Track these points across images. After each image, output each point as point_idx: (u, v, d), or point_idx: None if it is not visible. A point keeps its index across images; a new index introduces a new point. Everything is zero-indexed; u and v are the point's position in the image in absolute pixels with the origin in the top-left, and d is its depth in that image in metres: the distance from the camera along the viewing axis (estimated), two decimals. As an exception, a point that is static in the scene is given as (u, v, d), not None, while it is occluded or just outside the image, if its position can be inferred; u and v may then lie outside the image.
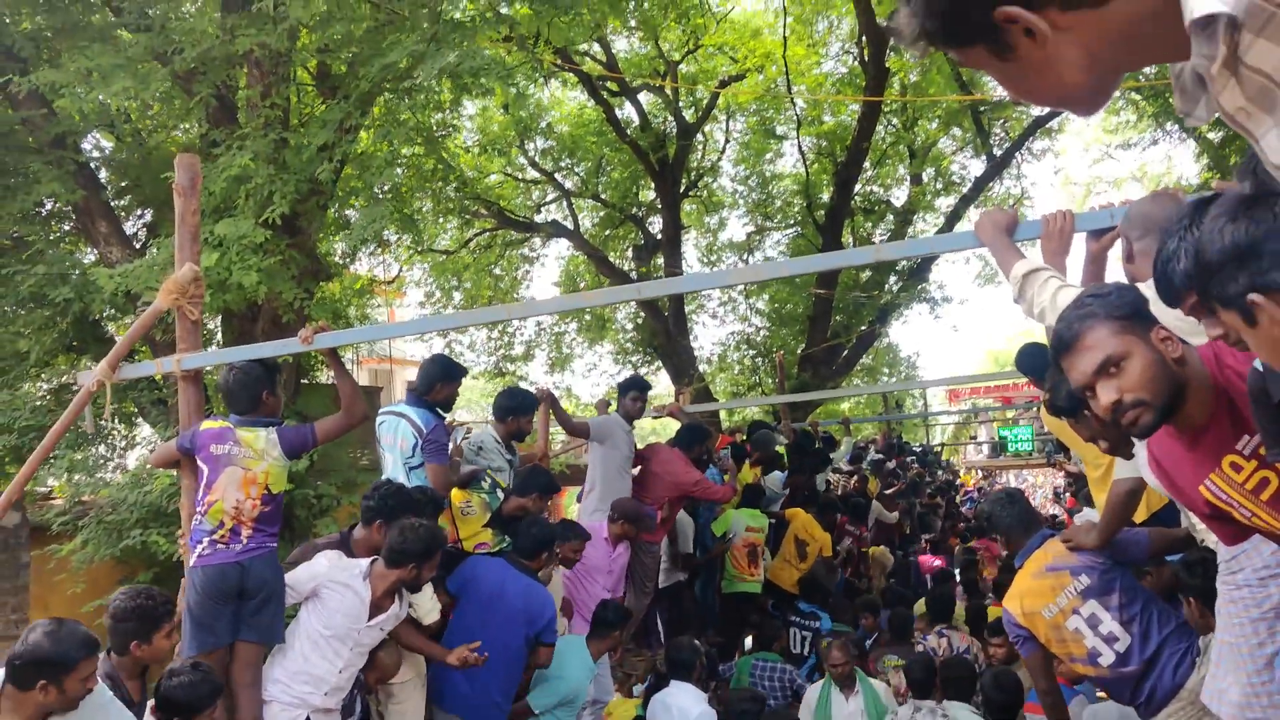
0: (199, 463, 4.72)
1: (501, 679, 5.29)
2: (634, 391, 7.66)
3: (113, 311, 9.65)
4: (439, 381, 5.68)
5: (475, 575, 5.44)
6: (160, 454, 5.27)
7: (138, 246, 9.78)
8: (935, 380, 22.87)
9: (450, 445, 5.97)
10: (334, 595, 4.56)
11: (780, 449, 10.60)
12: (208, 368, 5.57)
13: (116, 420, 10.32)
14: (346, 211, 10.83)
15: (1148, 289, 2.64)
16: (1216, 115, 1.24)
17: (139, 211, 11.10)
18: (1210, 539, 3.06)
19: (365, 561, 4.67)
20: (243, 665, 4.58)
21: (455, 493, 5.89)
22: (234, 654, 4.58)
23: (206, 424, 4.81)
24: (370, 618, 4.58)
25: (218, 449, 4.68)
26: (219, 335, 9.93)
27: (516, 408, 6.33)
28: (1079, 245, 3.39)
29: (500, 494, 6.09)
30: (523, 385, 20.76)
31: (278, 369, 5.08)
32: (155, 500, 7.94)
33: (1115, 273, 3.15)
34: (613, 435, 7.28)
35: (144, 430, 10.10)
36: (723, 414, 17.31)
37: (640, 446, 7.87)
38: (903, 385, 24.03)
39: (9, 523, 6.66)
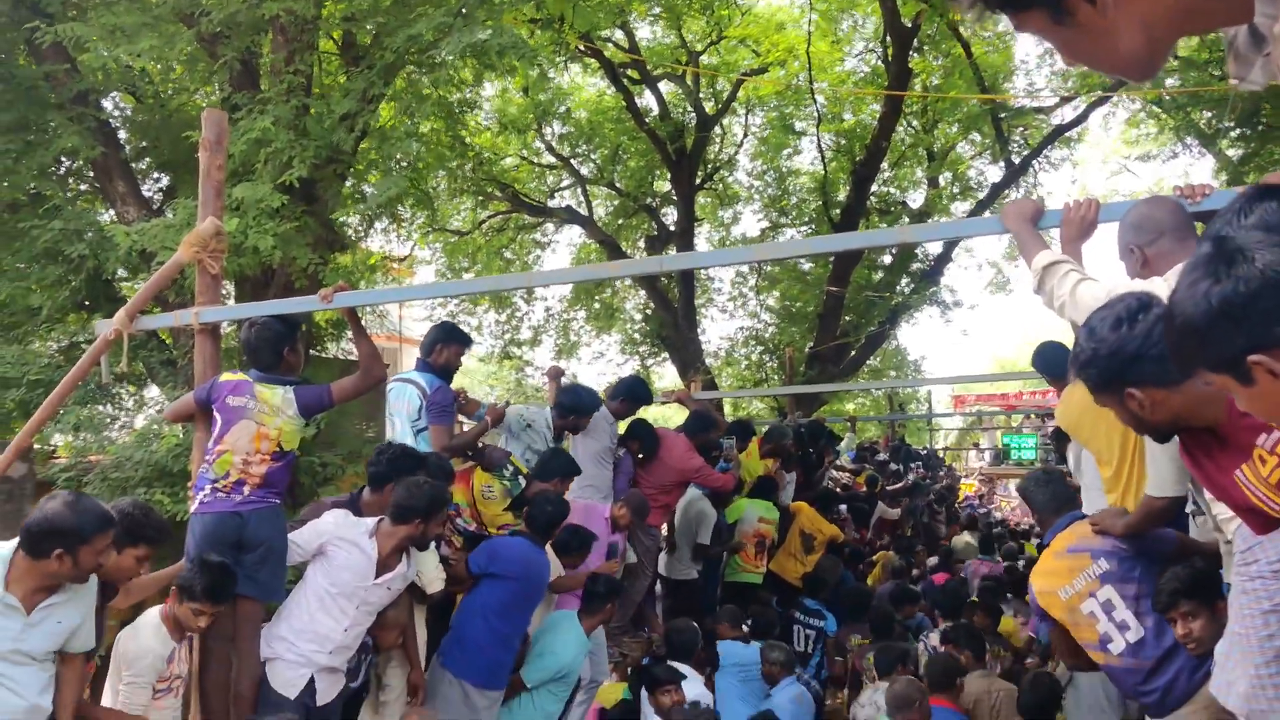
0: (214, 412, 4.71)
1: (512, 649, 5.41)
2: (626, 401, 7.50)
3: (126, 272, 9.65)
4: (439, 343, 5.71)
5: (499, 559, 5.46)
6: (177, 407, 5.25)
7: (155, 209, 9.78)
8: (942, 379, 22.87)
9: (489, 407, 6.04)
10: (341, 553, 4.56)
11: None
12: (225, 323, 5.56)
13: (126, 382, 10.34)
14: (364, 187, 10.84)
15: (1165, 286, 2.64)
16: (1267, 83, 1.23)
17: (156, 175, 11.11)
18: (1230, 529, 3.04)
19: (372, 520, 4.68)
20: (242, 621, 4.57)
21: (478, 475, 5.95)
22: (235, 610, 4.55)
23: (225, 375, 4.80)
24: (377, 576, 4.58)
25: (234, 400, 4.66)
26: (232, 300, 9.90)
27: (579, 409, 6.60)
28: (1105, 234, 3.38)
29: (522, 481, 6.13)
30: (532, 367, 20.85)
31: (298, 326, 5.07)
32: (161, 459, 7.92)
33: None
34: (596, 425, 7.22)
35: (152, 391, 10.09)
36: (728, 407, 17.31)
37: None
38: (910, 383, 24.05)
39: (15, 474, 6.64)
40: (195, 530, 4.57)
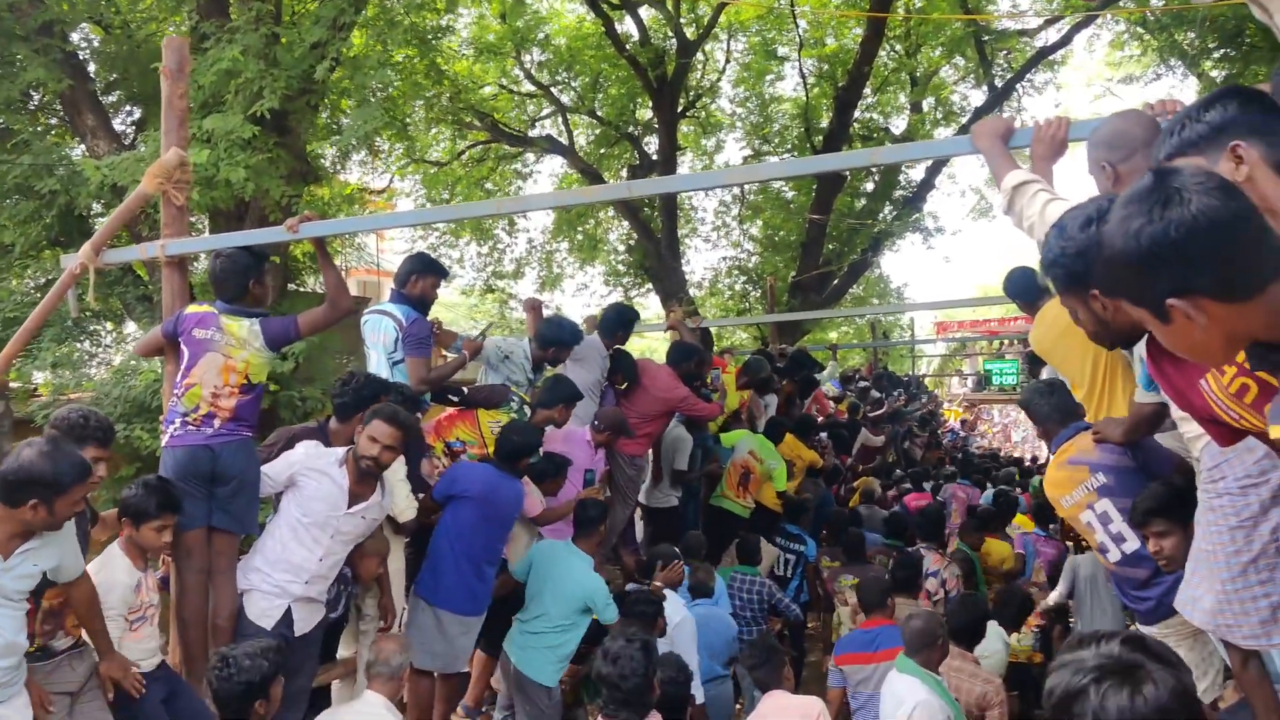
0: (181, 345, 4.68)
1: (486, 573, 5.45)
2: (619, 332, 7.52)
3: (100, 207, 9.54)
4: (414, 274, 5.67)
5: (460, 483, 5.50)
6: (145, 342, 5.21)
7: (126, 143, 9.64)
8: (924, 304, 22.89)
9: (465, 339, 6.01)
10: (311, 483, 4.57)
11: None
12: (193, 255, 5.50)
13: (103, 318, 10.28)
14: (340, 119, 10.68)
15: None
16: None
17: (127, 108, 10.93)
18: (1198, 447, 3.07)
19: (342, 450, 4.69)
20: (217, 554, 4.59)
21: (483, 413, 5.97)
22: (210, 543, 4.57)
23: (191, 307, 4.76)
24: (350, 505, 4.60)
25: (200, 333, 4.63)
26: (206, 234, 9.80)
27: (560, 340, 6.54)
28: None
29: (528, 410, 6.15)
30: (515, 300, 20.77)
31: (265, 258, 5.00)
32: (139, 395, 7.92)
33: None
34: (589, 357, 7.21)
35: (129, 327, 10.05)
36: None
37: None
38: (892, 309, 24.08)
39: (-8, 410, 6.64)
40: (167, 463, 4.56)
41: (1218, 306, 1.60)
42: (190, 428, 4.55)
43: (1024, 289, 5.11)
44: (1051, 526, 9.90)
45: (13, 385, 8.89)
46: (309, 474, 4.58)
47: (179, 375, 4.66)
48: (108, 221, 5.28)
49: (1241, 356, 2.10)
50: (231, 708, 3.63)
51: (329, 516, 4.57)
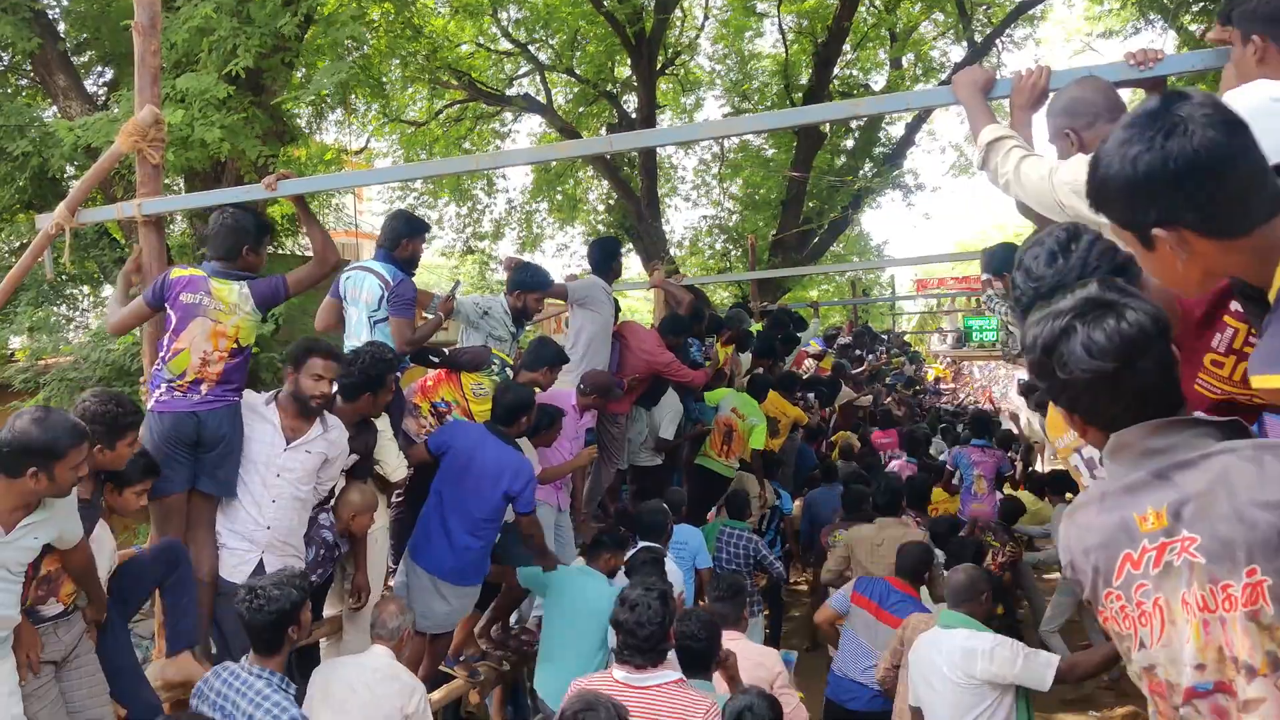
0: (167, 309, 4.59)
1: (476, 540, 5.39)
2: (614, 258, 7.59)
3: (73, 169, 9.43)
4: (404, 237, 5.60)
5: (454, 438, 5.49)
6: (124, 317, 4.90)
7: (99, 104, 9.51)
8: (904, 259, 22.97)
9: (440, 300, 5.96)
10: (251, 424, 4.61)
11: (753, 329, 10.65)
12: (169, 216, 5.43)
13: (80, 282, 10.20)
14: (315, 78, 10.56)
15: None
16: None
17: (99, 68, 10.79)
18: None
19: (269, 392, 4.73)
20: (196, 515, 4.56)
21: (465, 376, 5.93)
22: (190, 505, 4.54)
23: (176, 271, 4.64)
24: (289, 441, 4.60)
25: (188, 297, 4.53)
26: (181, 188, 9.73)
27: (530, 283, 6.36)
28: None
29: (509, 372, 6.12)
30: (495, 261, 20.68)
31: (269, 230, 4.91)
32: (118, 358, 7.88)
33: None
34: (594, 297, 7.13)
35: (107, 291, 9.97)
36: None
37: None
38: (872, 264, 24.11)
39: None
40: (152, 428, 4.51)
41: (1203, 242, 1.60)
42: (176, 393, 4.49)
43: (1005, 265, 5.06)
44: (991, 438, 10.30)
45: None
46: (244, 416, 4.61)
47: (166, 339, 4.58)
48: (82, 181, 5.21)
49: (1252, 334, 2.10)
50: (265, 636, 3.78)
51: (269, 455, 4.58)
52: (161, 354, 4.58)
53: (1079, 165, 2.71)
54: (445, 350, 6.23)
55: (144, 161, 4.84)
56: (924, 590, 6.03)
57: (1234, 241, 1.59)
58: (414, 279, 5.63)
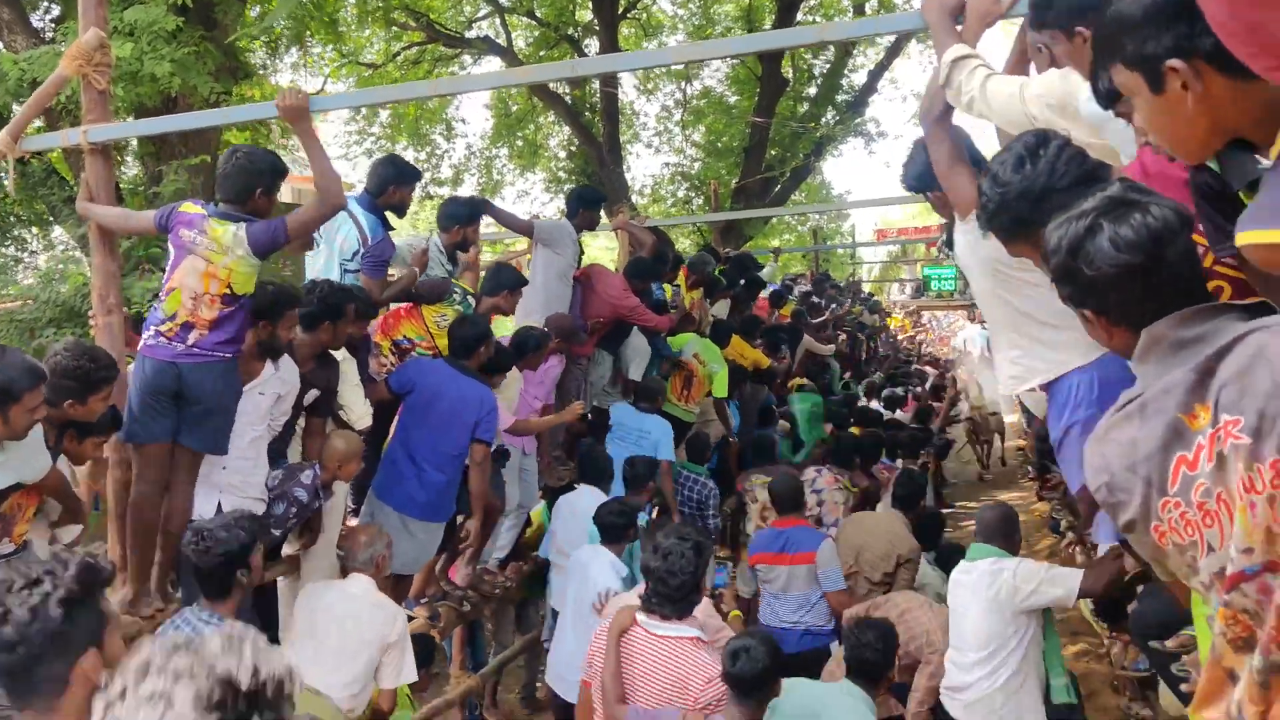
0: (169, 244, 4.41)
1: (444, 476, 5.37)
2: (592, 207, 7.62)
3: (18, 105, 9.15)
4: (392, 184, 5.47)
5: (417, 375, 5.44)
6: (129, 221, 4.86)
7: (46, 39, 9.23)
8: (865, 201, 22.97)
9: (412, 254, 5.83)
10: None
11: (716, 273, 10.59)
12: (117, 148, 5.25)
13: (29, 223, 9.96)
14: (270, 15, 10.30)
15: (1077, 78, 2.59)
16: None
17: (45, 3, 10.46)
18: None
19: None
20: (178, 465, 4.42)
21: (427, 309, 5.83)
22: (172, 454, 4.39)
23: (186, 205, 4.43)
24: (244, 384, 4.50)
25: (185, 234, 4.32)
26: (134, 141, 9.49)
27: (461, 216, 6.18)
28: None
29: (471, 300, 6.04)
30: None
31: (285, 174, 4.63)
32: (68, 299, 7.70)
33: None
34: (560, 240, 7.10)
35: (56, 231, 9.74)
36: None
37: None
38: (835, 206, 24.07)
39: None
40: (136, 372, 4.38)
41: (1217, 79, 1.55)
42: (162, 338, 4.29)
43: (923, 176, 4.59)
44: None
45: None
46: None
47: (164, 277, 4.41)
48: (25, 106, 5.04)
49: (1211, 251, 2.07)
50: (213, 580, 3.72)
51: None
52: (161, 293, 4.40)
53: (1053, 77, 2.68)
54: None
55: (89, 87, 4.66)
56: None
57: (1250, 83, 1.52)
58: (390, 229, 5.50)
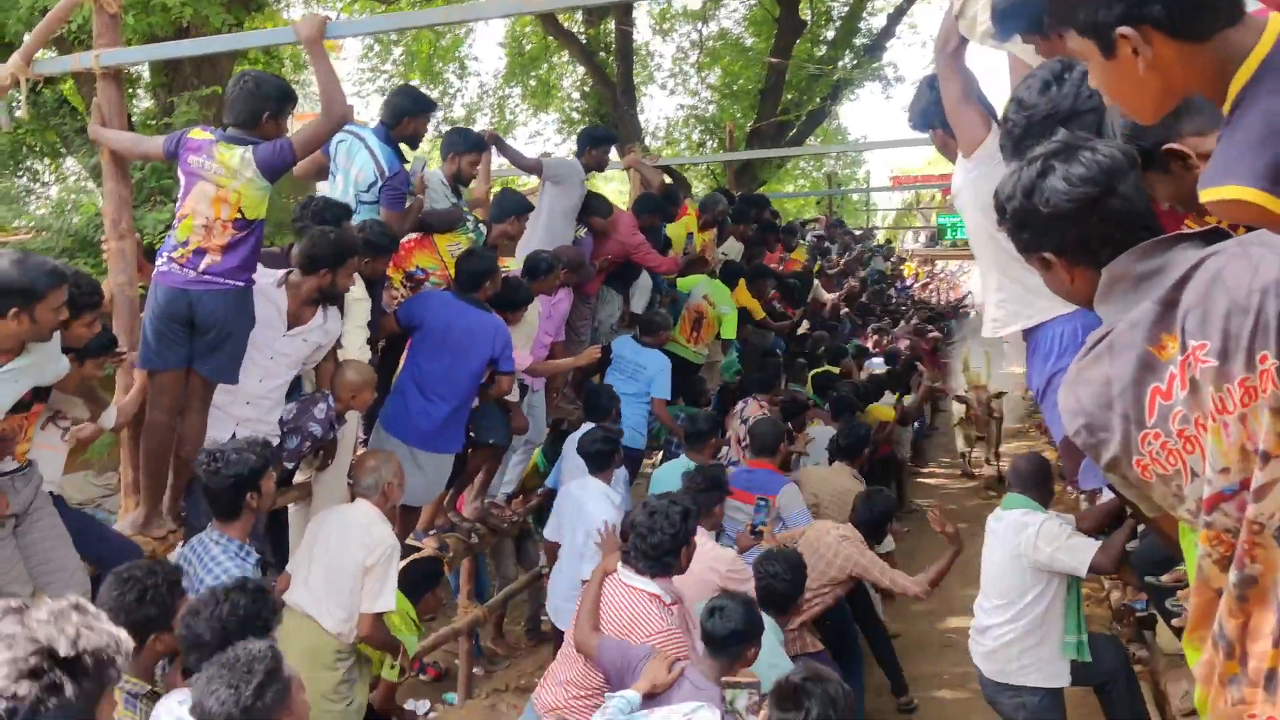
0: (179, 171, 4.43)
1: (452, 408, 5.41)
2: (602, 145, 7.59)
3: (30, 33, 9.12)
4: (407, 115, 5.46)
5: (426, 309, 5.46)
6: (138, 145, 4.86)
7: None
8: (879, 143, 22.74)
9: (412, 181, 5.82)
10: None
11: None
12: (129, 75, 5.24)
13: (40, 154, 9.95)
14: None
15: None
16: None
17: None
18: None
19: (280, 271, 4.61)
20: (192, 394, 4.47)
21: (440, 238, 5.84)
22: (187, 381, 4.45)
23: (195, 131, 4.45)
24: (290, 327, 4.55)
25: (194, 160, 4.34)
26: (147, 72, 9.47)
27: (458, 144, 6.16)
28: None
29: (483, 228, 6.07)
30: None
31: (293, 97, 4.64)
32: (81, 229, 7.73)
33: None
34: (569, 178, 7.11)
35: (68, 162, 9.74)
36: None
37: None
38: (849, 147, 23.78)
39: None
40: (150, 299, 4.41)
41: (1168, 45, 1.58)
42: (175, 265, 4.31)
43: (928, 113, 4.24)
44: None
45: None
46: None
47: (177, 204, 4.43)
48: (36, 30, 5.03)
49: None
50: (223, 501, 3.79)
51: (267, 337, 4.51)
52: (175, 221, 4.43)
53: None
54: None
55: (101, 11, 4.66)
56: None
57: (1198, 45, 1.57)
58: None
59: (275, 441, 4.65)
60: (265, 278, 4.56)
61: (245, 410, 4.57)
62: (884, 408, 10.12)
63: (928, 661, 6.97)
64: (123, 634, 1.68)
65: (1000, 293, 3.06)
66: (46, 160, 9.58)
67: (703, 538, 4.72)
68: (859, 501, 5.87)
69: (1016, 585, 4.58)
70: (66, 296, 3.52)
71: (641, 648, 3.77)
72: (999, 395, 11.70)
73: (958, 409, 12.16)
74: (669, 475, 6.05)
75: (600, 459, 5.79)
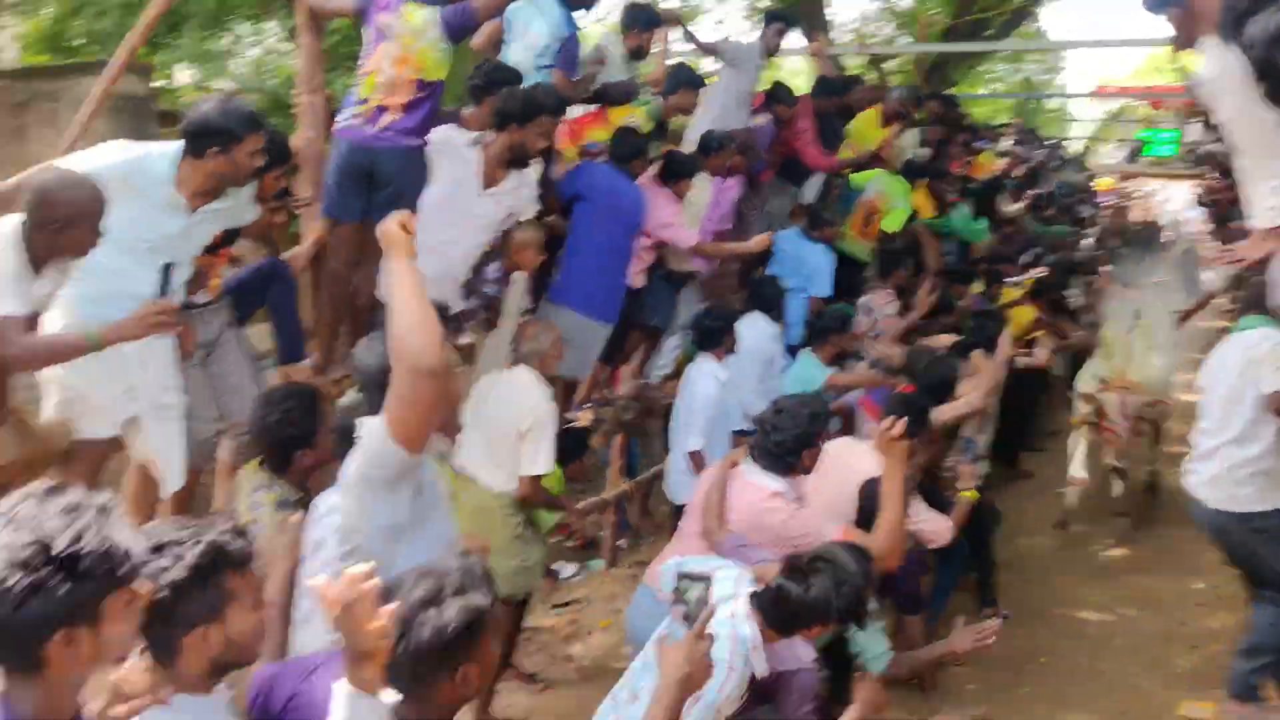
0: (367, 30, 4.50)
1: (612, 278, 5.51)
2: (778, 24, 7.47)
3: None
4: None
5: (589, 180, 5.49)
6: (340, 2, 4.85)
7: None
8: (1081, 41, 21.32)
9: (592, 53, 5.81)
10: (444, 161, 4.56)
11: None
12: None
13: (242, 16, 10.30)
14: None
15: None
16: None
17: None
18: None
19: (476, 132, 4.66)
20: (366, 243, 4.47)
21: (614, 111, 5.86)
22: (364, 237, 4.44)
23: None
24: (485, 187, 4.60)
25: (383, 18, 4.41)
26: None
27: (641, 19, 6.11)
28: None
29: (660, 101, 6.06)
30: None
31: None
32: (277, 89, 8.01)
33: None
34: (746, 62, 7.00)
35: (269, 25, 10.05)
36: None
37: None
38: (1048, 45, 22.75)
39: (139, 92, 6.76)
40: (332, 152, 4.56)
41: None
42: (356, 120, 4.42)
43: None
44: None
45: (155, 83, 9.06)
46: (440, 153, 4.56)
47: (361, 57, 4.52)
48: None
49: None
50: (274, 455, 3.34)
51: (461, 197, 4.55)
52: (358, 75, 4.53)
53: None
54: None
55: None
56: None
57: None
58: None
59: (456, 308, 4.72)
60: (459, 137, 4.62)
61: (434, 268, 4.62)
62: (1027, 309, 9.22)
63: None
64: (136, 546, 1.60)
65: (1275, 179, 2.83)
66: (248, 22, 9.91)
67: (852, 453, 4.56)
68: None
69: (1236, 413, 4.40)
70: (263, 143, 3.63)
71: (760, 551, 3.74)
72: (1155, 404, 7.36)
73: (1082, 409, 7.66)
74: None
75: (711, 335, 5.72)
